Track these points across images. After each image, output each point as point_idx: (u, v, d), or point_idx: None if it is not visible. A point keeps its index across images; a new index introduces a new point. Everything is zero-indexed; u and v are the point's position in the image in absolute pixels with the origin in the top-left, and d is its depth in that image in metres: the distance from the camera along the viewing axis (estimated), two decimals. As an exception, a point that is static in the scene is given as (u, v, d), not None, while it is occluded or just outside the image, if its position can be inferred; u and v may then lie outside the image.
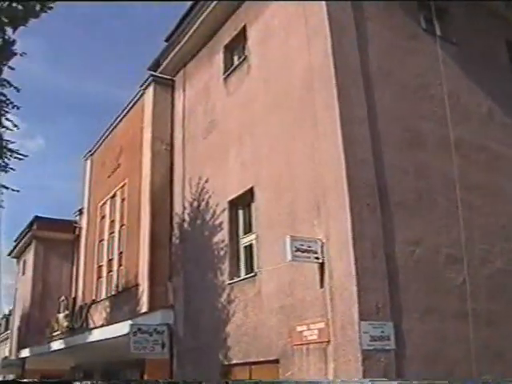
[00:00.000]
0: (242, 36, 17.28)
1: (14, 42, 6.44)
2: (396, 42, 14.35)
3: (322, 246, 12.02)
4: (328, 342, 11.48)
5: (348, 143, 12.13)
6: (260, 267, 14.24)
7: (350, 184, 11.81)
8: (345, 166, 11.91)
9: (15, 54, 6.76)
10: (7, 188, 15.04)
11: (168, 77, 22.04)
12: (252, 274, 14.62)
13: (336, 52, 12.84)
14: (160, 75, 22.36)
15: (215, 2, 17.84)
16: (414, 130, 13.68)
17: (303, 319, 12.27)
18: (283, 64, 14.72)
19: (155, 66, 21.94)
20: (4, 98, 10.89)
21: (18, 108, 11.52)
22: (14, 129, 12.96)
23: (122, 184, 25.41)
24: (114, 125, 27.72)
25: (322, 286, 11.93)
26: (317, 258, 11.99)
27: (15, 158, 14.07)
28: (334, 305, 11.49)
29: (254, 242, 15.07)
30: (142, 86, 24.33)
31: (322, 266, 11.99)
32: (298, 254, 11.87)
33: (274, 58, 15.28)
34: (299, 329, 12.30)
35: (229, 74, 17.57)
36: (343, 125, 12.22)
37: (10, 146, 13.59)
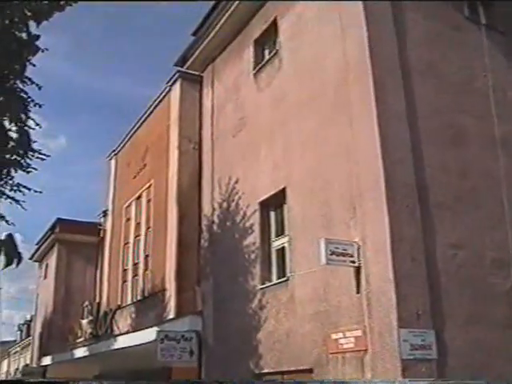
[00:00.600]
0: (272, 29, 17.30)
1: (38, 36, 6.54)
2: (437, 32, 14.21)
3: (358, 249, 11.97)
4: (365, 350, 11.42)
5: (385, 140, 12.06)
6: (293, 271, 14.24)
7: (387, 184, 11.74)
8: (382, 165, 11.85)
9: (40, 50, 6.87)
10: (29, 189, 15.21)
11: (195, 73, 22.17)
12: (284, 279, 14.62)
13: (372, 43, 12.78)
14: (187, 71, 22.50)
15: (245, -6, 17.93)
16: (456, 125, 13.54)
17: (338, 326, 12.24)
18: (316, 57, 14.70)
19: (182, 61, 22.07)
20: (26, 96, 11.04)
21: (40, 106, 11.73)
22: (36, 128, 13.16)
23: (147, 185, 25.64)
24: (139, 123, 27.98)
25: (358, 291, 11.88)
26: (353, 262, 11.94)
27: (37, 157, 14.29)
28: (371, 311, 11.44)
29: (286, 244, 15.06)
30: (168, 82, 24.53)
31: (358, 270, 11.94)
32: (333, 257, 11.84)
33: (306, 51, 15.27)
34: (334, 336, 12.27)
35: (259, 69, 17.62)
36: (380, 121, 12.16)
37: (32, 145, 13.83)
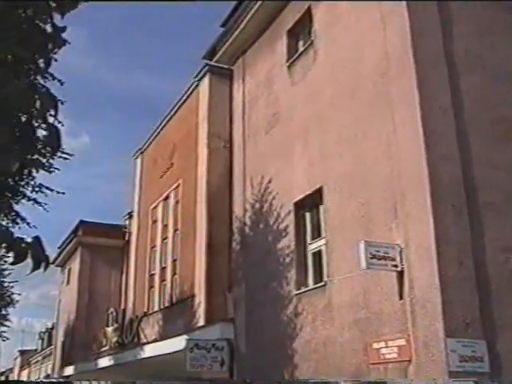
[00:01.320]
0: (306, 19, 17.28)
1: (64, 28, 6.58)
2: (486, 21, 14.03)
3: (400, 253, 11.89)
4: (409, 361, 11.32)
5: (430, 136, 11.95)
6: (330, 276, 14.19)
7: (432, 182, 11.63)
8: (426, 162, 11.74)
9: (65, 43, 6.92)
10: (51, 190, 15.36)
11: (225, 66, 22.22)
12: (321, 284, 14.57)
13: (415, 33, 12.68)
14: (216, 64, 22.58)
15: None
16: (506, 120, 13.34)
17: (380, 335, 12.16)
18: (354, 48, 14.64)
19: (211, 54, 22.14)
20: (47, 92, 11.13)
21: (62, 103, 11.86)
22: (59, 125, 13.26)
23: (175, 185, 25.81)
24: (166, 120, 28.19)
25: (401, 297, 11.78)
26: (395, 266, 11.85)
27: (60, 157, 14.41)
28: (415, 319, 11.34)
29: (323, 247, 15.02)
30: (196, 76, 24.67)
31: (400, 274, 11.85)
32: (374, 261, 11.77)
33: (343, 42, 15.21)
34: (376, 346, 12.19)
35: (293, 62, 17.60)
36: (424, 115, 12.05)
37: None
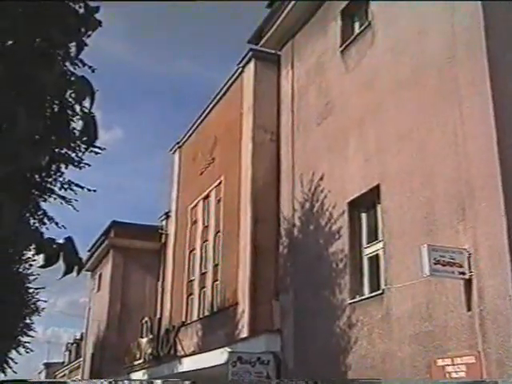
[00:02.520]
0: (363, -3, 17.23)
1: (98, 9, 6.60)
2: None
3: (468, 258, 11.75)
4: (480, 381, 11.19)
5: (502, 127, 11.76)
6: (389, 283, 14.10)
7: (505, 179, 11.45)
8: (498, 156, 11.57)
9: (100, 25, 6.96)
10: (82, 187, 15.50)
11: (272, 51, 22.23)
12: (379, 292, 14.50)
13: (487, 12, 12.49)
14: (262, 49, 22.60)
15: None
16: None
17: (445, 351, 12.02)
18: (417, 30, 14.50)
19: (256, 38, 22.15)
20: (83, 79, 11.15)
21: (95, 93, 11.96)
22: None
23: (217, 182, 25.92)
24: (207, 111, 28.32)
25: (469, 308, 11.65)
26: (462, 273, 11.72)
27: (91, 151, 14.53)
28: (486, 333, 11.18)
29: (380, 252, 14.95)
30: (239, 63, 24.71)
31: (468, 282, 11.71)
32: (438, 267, 11.67)
33: (404, 22, 15.08)
34: (441, 363, 12.05)
35: (347, 46, 17.53)
36: (496, 103, 11.86)
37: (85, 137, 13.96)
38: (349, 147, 16.65)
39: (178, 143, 32.46)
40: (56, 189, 14.68)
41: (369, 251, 15.73)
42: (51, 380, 28.97)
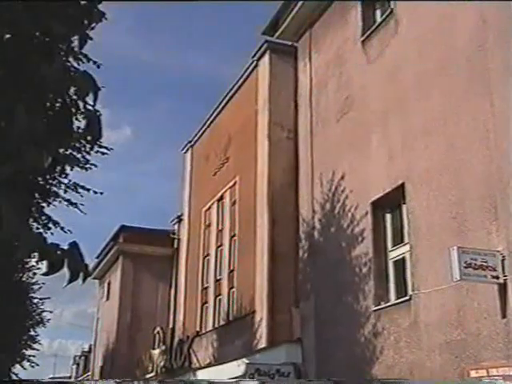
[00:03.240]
0: (385, -17, 17.19)
1: (101, -2, 6.56)
2: None
3: (502, 261, 11.64)
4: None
5: (537, 120, 11.66)
6: (416, 289, 14.01)
7: (540, 176, 11.37)
8: (533, 152, 11.48)
9: (104, 17, 6.91)
10: (88, 189, 15.49)
11: (288, 43, 22.19)
12: (406, 298, 14.43)
13: (518, -3, 12.40)
14: (278, 41, 22.55)
15: None
16: None
17: (479, 360, 11.90)
18: (443, 17, 14.40)
19: (271, 29, 22.13)
20: (86, 74, 11.09)
21: (99, 89, 11.95)
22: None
23: (231, 183, 25.89)
24: (220, 108, 28.30)
25: (504, 315, 11.52)
26: (495, 277, 11.61)
27: (97, 151, 14.51)
28: (521, 340, 11.09)
29: (406, 255, 14.88)
30: (254, 56, 24.66)
31: (503, 287, 11.59)
32: (469, 271, 11.57)
33: (430, 9, 14.97)
34: (474, 374, 11.93)
35: (369, 35, 17.46)
36: (530, 95, 11.76)
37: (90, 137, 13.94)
38: (371, 144, 16.58)
39: (189, 142, 32.47)
40: (60, 192, 14.70)
41: (394, 254, 15.67)
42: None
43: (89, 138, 5.27)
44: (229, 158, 26.69)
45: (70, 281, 5.20)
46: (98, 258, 43.46)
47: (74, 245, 5.18)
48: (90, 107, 5.75)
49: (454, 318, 12.68)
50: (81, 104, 6.26)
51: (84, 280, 5.23)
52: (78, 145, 13.34)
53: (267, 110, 23.00)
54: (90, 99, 5.53)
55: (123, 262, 39.46)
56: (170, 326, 32.21)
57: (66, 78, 6.11)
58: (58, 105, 6.66)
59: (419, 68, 15.03)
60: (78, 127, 7.85)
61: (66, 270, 5.17)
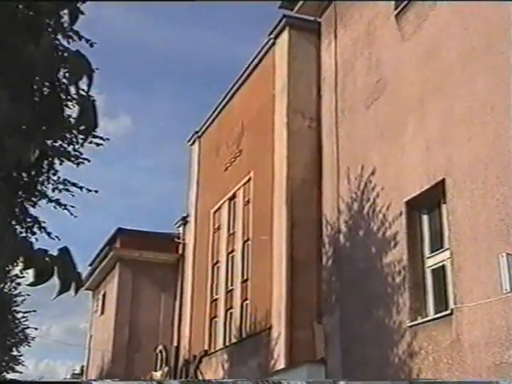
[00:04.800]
0: None
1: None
2: None
3: (558, 269, 11.60)
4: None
5: None
6: (459, 302, 13.95)
7: None
8: None
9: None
10: (80, 187, 15.47)
11: (310, 18, 22.14)
12: (446, 313, 14.38)
13: None
14: (298, 16, 22.51)
15: None
16: None
17: (533, 385, 11.86)
18: (490, -12, 14.33)
19: (290, 2, 22.10)
20: (78, 54, 10.98)
21: (93, 71, 11.91)
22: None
23: (245, 179, 25.86)
24: (232, 93, 28.25)
25: (560, 331, 11.48)
26: (551, 288, 11.58)
27: (90, 143, 14.44)
28: None
29: (447, 262, 14.87)
30: (270, 33, 24.62)
31: (559, 299, 11.56)
32: (521, 281, 11.55)
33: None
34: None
35: (404, 9, 17.42)
36: None
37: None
38: (406, 134, 16.56)
39: (197, 132, 32.46)
40: (48, 190, 14.67)
41: (432, 262, 15.65)
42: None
43: (82, 127, 5.20)
44: (242, 150, 26.66)
45: (61, 292, 5.19)
46: (91, 265, 43.39)
47: (64, 251, 5.17)
48: (83, 93, 5.73)
49: (504, 337, 12.61)
50: (72, 89, 6.24)
51: (76, 291, 5.22)
52: (68, 135, 13.30)
53: (286, 96, 22.95)
54: (83, 83, 5.51)
55: (120, 270, 39.43)
56: (174, 343, 32.25)
57: (56, 59, 6.10)
58: (46, 90, 6.65)
59: (463, 45, 14.96)
60: (69, 115, 7.84)
61: (55, 280, 5.16)
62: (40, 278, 5.09)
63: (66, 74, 6.28)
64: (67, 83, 6.50)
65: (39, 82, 6.74)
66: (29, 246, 5.22)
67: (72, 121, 7.25)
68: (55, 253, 5.05)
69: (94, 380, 31.23)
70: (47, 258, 5.03)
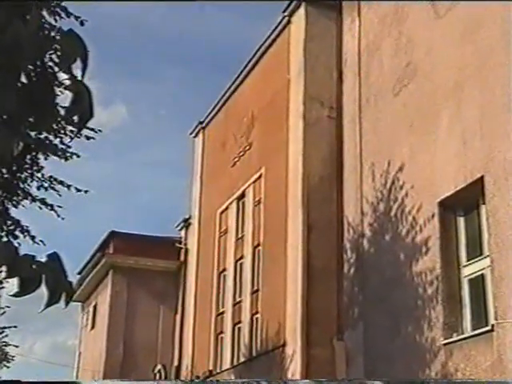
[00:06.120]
0: None
1: None
2: None
3: None
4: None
5: None
6: (500, 317, 13.89)
7: None
8: None
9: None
10: (68, 186, 15.43)
11: (330, -7, 22.18)
12: (486, 329, 14.33)
13: None
14: (316, -10, 22.56)
15: None
16: None
17: None
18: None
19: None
20: (56, 37, 10.83)
21: (88, 53, 11.85)
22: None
23: (255, 176, 25.85)
24: (241, 78, 28.23)
25: None
26: None
27: (79, 135, 14.25)
28: None
29: (486, 271, 14.85)
30: (285, 10, 24.60)
31: None
32: None
33: None
34: None
35: (437, -18, 17.37)
36: None
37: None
38: (440, 125, 16.52)
39: (201, 123, 32.45)
40: (32, 188, 14.63)
41: (470, 271, 15.63)
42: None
43: (75, 119, 5.16)
44: (252, 143, 26.66)
45: (49, 304, 5.15)
46: (80, 274, 43.27)
47: (54, 257, 5.14)
48: (74, 80, 5.68)
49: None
50: (64, 74, 6.21)
51: (67, 303, 5.19)
52: (55, 126, 13.27)
53: (302, 81, 22.93)
54: (76, 67, 5.49)
55: (113, 280, 39.36)
56: (175, 363, 32.30)
57: (44, 39, 6.10)
58: (34, 74, 6.63)
59: (505, 23, 14.90)
60: (57, 104, 7.81)
61: (43, 290, 5.14)
62: (26, 288, 5.06)
63: (53, 57, 6.28)
64: (59, 67, 6.49)
65: (25, 66, 6.72)
66: (13, 251, 5.21)
67: (63, 110, 7.21)
68: (43, 259, 5.04)
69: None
70: (34, 265, 5.01)
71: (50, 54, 6.52)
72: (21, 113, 6.18)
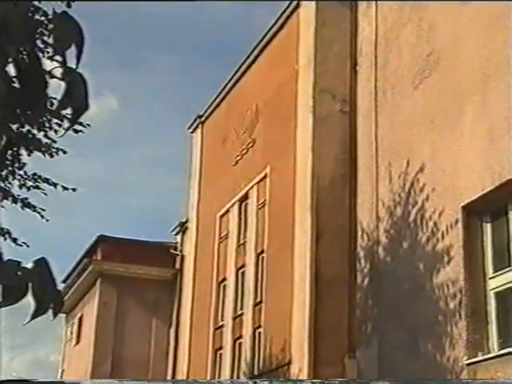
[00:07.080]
0: None
1: None
2: None
3: None
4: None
5: None
6: (530, 334, 13.93)
7: None
8: None
9: None
10: (54, 185, 15.42)
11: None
12: (515, 348, 14.36)
13: None
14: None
15: None
16: None
17: None
18: None
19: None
20: (47, 22, 10.77)
21: (84, 38, 11.82)
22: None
23: (259, 176, 25.86)
24: (244, 68, 28.25)
25: None
26: None
27: (66, 129, 14.24)
28: None
29: (515, 284, 14.82)
30: (293, -6, 24.67)
31: None
32: None
33: None
34: None
35: (462, -36, 17.38)
36: None
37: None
38: (464, 120, 16.54)
39: (200, 117, 32.46)
40: (14, 187, 14.64)
41: (497, 283, 15.65)
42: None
43: (68, 112, 5.13)
44: (255, 140, 26.67)
45: (36, 315, 5.14)
46: (64, 282, 43.31)
47: (42, 262, 5.13)
48: (67, 68, 5.68)
49: None
50: (55, 62, 6.20)
51: (56, 313, 5.18)
52: (41, 119, 13.26)
53: (312, 71, 22.95)
54: (70, 53, 5.48)
55: (101, 289, 39.33)
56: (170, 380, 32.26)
57: (37, 23, 6.11)
58: (23, 62, 6.63)
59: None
60: (47, 93, 7.79)
61: (29, 300, 5.13)
62: (10, 297, 5.03)
63: (45, 42, 6.29)
64: (49, 54, 6.50)
65: (14, 53, 6.71)
66: (-4, 256, 5.20)
67: (53, 101, 7.21)
68: (30, 265, 5.02)
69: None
70: (19, 272, 5.00)
71: (43, 40, 6.52)
72: (10, 104, 6.18)
